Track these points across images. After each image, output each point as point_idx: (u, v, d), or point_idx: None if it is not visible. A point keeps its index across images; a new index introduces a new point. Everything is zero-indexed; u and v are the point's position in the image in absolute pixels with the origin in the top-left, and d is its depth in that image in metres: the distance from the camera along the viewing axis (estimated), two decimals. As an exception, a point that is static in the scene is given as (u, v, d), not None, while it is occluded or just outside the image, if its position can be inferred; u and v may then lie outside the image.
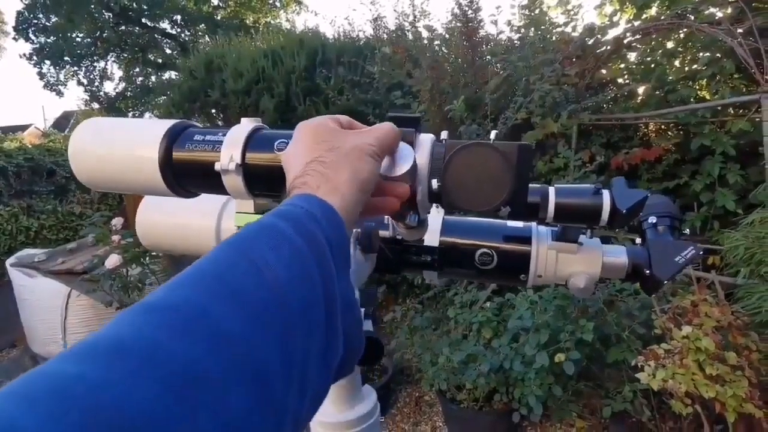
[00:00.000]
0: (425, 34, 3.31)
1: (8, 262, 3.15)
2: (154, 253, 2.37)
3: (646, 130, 3.02)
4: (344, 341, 0.29)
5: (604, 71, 3.02)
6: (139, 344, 0.20)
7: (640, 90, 3.02)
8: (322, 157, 0.34)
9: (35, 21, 12.58)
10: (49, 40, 12.79)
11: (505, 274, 0.69)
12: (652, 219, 0.67)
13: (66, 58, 13.02)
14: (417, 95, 2.90)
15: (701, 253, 0.65)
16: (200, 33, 13.37)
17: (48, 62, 13.02)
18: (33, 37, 12.70)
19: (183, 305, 0.22)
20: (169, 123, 0.44)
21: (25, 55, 12.88)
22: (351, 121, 0.40)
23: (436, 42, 3.36)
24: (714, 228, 2.29)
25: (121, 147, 0.44)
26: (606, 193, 0.59)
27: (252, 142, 0.42)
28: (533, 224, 0.68)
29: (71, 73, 13.55)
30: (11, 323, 3.25)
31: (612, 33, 2.90)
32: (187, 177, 0.44)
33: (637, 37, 2.78)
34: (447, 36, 3.30)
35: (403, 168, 0.35)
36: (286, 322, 0.25)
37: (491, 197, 0.35)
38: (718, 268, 1.88)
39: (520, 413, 1.93)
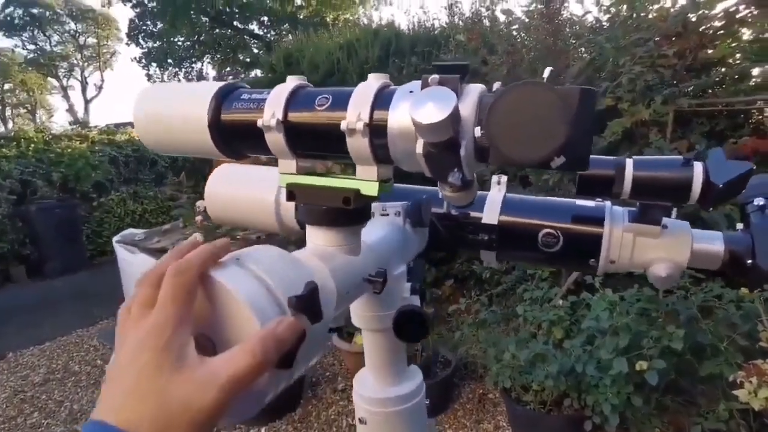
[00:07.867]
0: (502, 18, 3.17)
1: (114, 239, 3.58)
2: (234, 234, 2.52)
3: (760, 116, 2.64)
4: None
5: (709, 51, 2.67)
6: None
7: (755, 71, 2.63)
8: None
9: (144, 27, 14.09)
10: (155, 45, 14.26)
11: (571, 258, 0.62)
12: (759, 200, 0.57)
13: (169, 61, 14.45)
14: (490, 82, 2.79)
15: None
16: (284, 32, 14.08)
17: (154, 64, 14.53)
18: (142, 42, 14.25)
19: None
20: (219, 84, 0.45)
21: (135, 58, 14.52)
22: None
23: (514, 27, 3.20)
24: None
25: (173, 109, 0.46)
26: (698, 165, 0.51)
27: (294, 99, 0.41)
28: (607, 203, 0.61)
29: (173, 74, 14.99)
30: (119, 293, 3.69)
31: (721, 6, 2.56)
32: (234, 136, 0.45)
33: (752, 10, 2.42)
34: (527, 20, 3.13)
35: (439, 115, 0.31)
36: None
37: (541, 145, 0.30)
38: None
39: (592, 421, 1.79)
